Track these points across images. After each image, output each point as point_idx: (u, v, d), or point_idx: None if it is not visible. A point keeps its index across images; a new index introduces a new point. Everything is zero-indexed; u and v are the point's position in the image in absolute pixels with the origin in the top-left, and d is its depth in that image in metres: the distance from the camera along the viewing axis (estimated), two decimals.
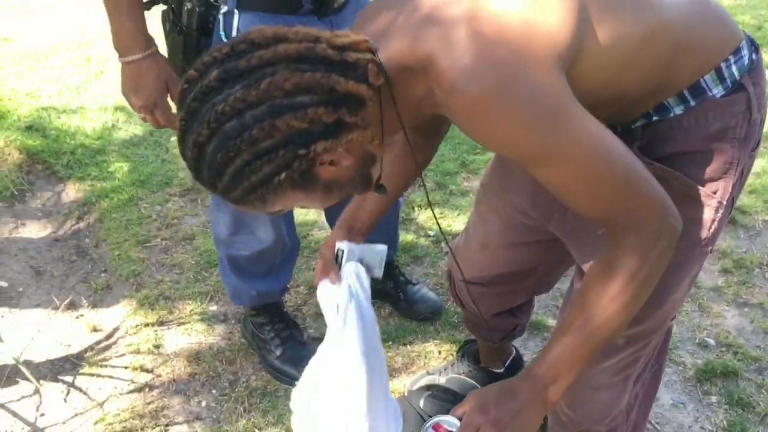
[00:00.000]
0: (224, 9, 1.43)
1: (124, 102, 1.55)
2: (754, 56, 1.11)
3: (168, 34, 1.51)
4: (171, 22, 1.49)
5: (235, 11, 1.43)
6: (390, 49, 0.95)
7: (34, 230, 2.52)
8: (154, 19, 1.47)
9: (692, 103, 1.07)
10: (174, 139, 2.82)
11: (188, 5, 1.44)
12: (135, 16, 1.40)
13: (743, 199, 2.66)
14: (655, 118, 1.10)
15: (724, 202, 1.13)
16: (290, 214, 1.88)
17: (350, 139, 0.92)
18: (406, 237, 2.42)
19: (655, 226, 0.97)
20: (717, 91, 1.08)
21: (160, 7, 1.52)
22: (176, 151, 2.83)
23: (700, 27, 1.07)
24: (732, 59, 1.08)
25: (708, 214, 1.13)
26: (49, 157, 2.77)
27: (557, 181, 0.97)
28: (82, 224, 2.55)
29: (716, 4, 1.12)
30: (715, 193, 1.12)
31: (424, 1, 0.96)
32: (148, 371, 1.97)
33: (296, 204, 1.01)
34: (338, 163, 0.95)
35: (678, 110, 1.08)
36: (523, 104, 0.89)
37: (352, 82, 0.90)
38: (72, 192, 2.66)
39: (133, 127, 2.91)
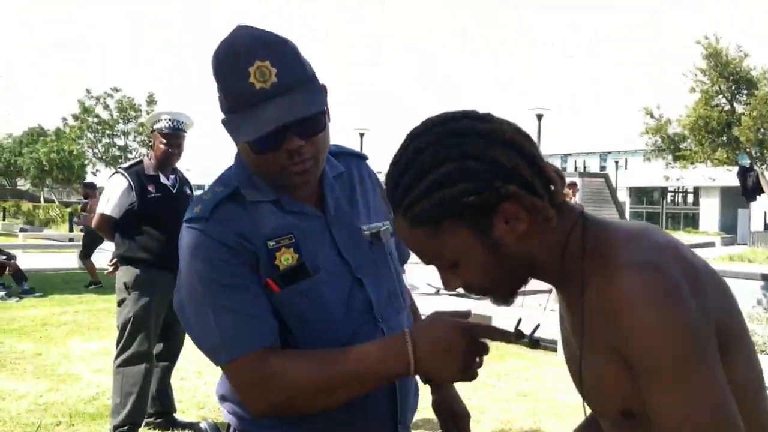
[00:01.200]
0: None
1: None
2: None
3: None
4: None
5: None
6: (598, 232, 1.09)
7: None
8: None
9: None
10: None
11: None
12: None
13: None
14: None
15: None
16: None
17: (535, 204, 1.03)
18: None
19: None
20: None
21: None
22: None
23: None
24: None
25: None
26: None
27: (666, 408, 0.94)
28: None
29: None
30: None
31: (650, 234, 1.07)
32: None
33: (459, 254, 1.06)
34: (512, 226, 1.04)
35: None
36: (682, 317, 0.93)
37: (546, 192, 1.06)
38: None
39: None
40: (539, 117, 23.07)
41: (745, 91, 14.26)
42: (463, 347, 1.17)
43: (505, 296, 1.12)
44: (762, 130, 13.24)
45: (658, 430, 0.96)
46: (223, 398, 1.41)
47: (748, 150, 13.65)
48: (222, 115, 1.31)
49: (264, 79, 1.21)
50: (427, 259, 1.10)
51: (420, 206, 1.03)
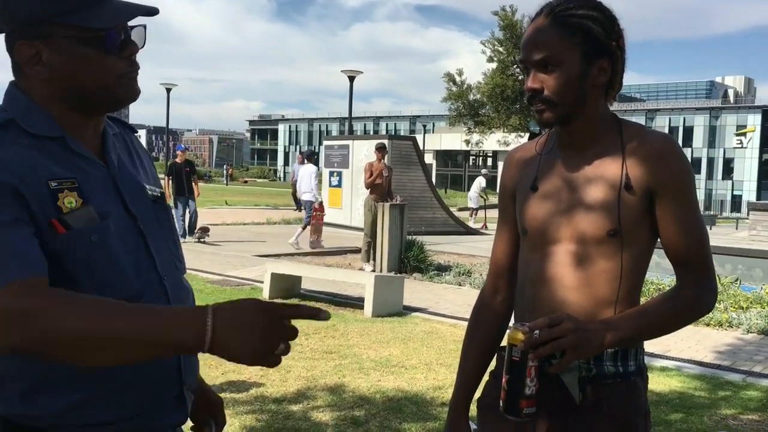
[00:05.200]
0: None
1: None
2: None
3: None
4: None
5: None
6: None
7: None
8: None
9: None
10: None
11: None
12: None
13: None
14: None
15: None
16: None
17: (617, 73, 1.52)
18: None
19: (716, 286, 1.55)
20: None
21: None
22: None
23: None
24: None
25: None
26: None
27: (686, 212, 1.50)
28: None
29: None
30: None
31: None
32: None
33: (563, 62, 1.46)
34: (599, 73, 1.49)
35: None
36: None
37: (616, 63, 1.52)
38: None
39: None
40: (351, 78, 23.34)
41: None
42: (266, 325, 1.09)
43: (558, 114, 1.48)
44: None
45: (674, 227, 1.49)
46: None
47: None
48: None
49: None
50: (540, 53, 1.46)
51: (571, 15, 1.45)
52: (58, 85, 1.25)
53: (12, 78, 1.30)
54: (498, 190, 1.77)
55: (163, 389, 1.31)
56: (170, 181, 12.72)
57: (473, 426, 1.69)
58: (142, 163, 1.44)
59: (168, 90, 31.83)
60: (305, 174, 12.94)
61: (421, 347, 5.89)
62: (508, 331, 1.45)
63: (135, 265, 1.27)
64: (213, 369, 4.83)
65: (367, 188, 10.95)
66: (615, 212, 1.47)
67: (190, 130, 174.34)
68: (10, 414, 1.22)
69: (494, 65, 41.16)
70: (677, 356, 5.87)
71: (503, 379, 1.42)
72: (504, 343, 1.50)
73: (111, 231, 1.25)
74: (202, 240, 12.71)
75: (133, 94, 1.32)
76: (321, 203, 13.22)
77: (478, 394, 1.71)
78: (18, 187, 1.16)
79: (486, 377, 1.70)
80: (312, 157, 13.57)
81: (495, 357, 1.69)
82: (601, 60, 1.48)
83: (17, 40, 1.23)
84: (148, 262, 1.31)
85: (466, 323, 1.79)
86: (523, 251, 1.62)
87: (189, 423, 1.44)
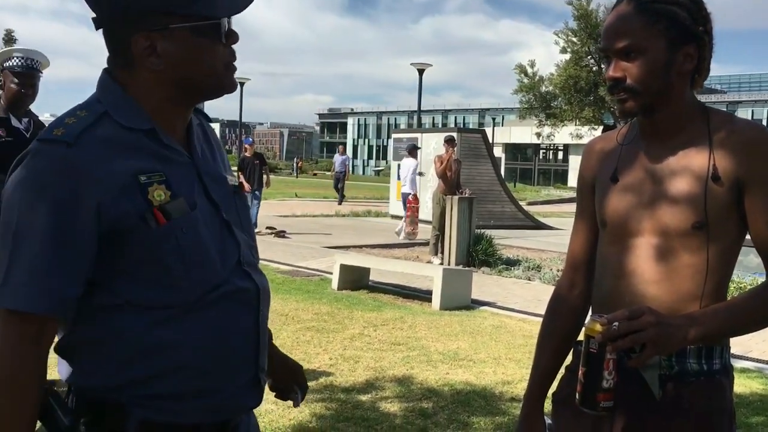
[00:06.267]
0: None
1: None
2: None
3: None
4: None
5: None
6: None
7: None
8: None
9: None
10: None
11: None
12: None
13: None
14: None
15: None
16: None
17: (705, 60, 1.47)
18: None
19: None
20: None
21: None
22: None
23: None
24: None
25: None
26: None
27: None
28: None
29: None
30: None
31: None
32: None
33: (647, 49, 1.43)
34: (686, 60, 1.45)
35: None
36: None
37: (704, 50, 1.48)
38: None
39: None
40: (420, 71, 23.28)
41: None
42: None
43: (641, 103, 1.45)
44: None
45: (764, 219, 1.42)
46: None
47: (612, 109, 14.53)
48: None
49: None
50: (622, 40, 1.43)
51: (655, 1, 1.41)
52: (171, 75, 1.27)
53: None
54: (576, 182, 1.74)
55: (239, 372, 1.34)
56: (243, 175, 13.02)
57: (548, 420, 1.67)
58: (221, 154, 1.48)
59: (241, 84, 32.48)
60: (405, 168, 14.03)
61: (490, 341, 5.84)
62: (585, 322, 1.43)
63: (221, 253, 1.32)
64: None
65: (439, 177, 10.93)
66: (701, 204, 1.42)
67: (262, 124, 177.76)
68: (86, 386, 1.27)
69: (567, 56, 40.29)
70: (759, 357, 5.64)
71: (580, 372, 1.39)
72: (581, 336, 1.47)
73: (200, 221, 1.29)
74: (281, 234, 13.00)
75: (234, 84, 1.35)
76: (415, 195, 13.72)
77: (552, 388, 1.68)
78: (115, 191, 1.20)
79: (562, 371, 1.67)
80: (414, 151, 14.26)
81: (571, 352, 1.65)
82: (687, 46, 1.43)
83: (133, 34, 1.25)
84: (232, 250, 1.35)
85: (535, 318, 1.78)
86: (602, 244, 1.58)
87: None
